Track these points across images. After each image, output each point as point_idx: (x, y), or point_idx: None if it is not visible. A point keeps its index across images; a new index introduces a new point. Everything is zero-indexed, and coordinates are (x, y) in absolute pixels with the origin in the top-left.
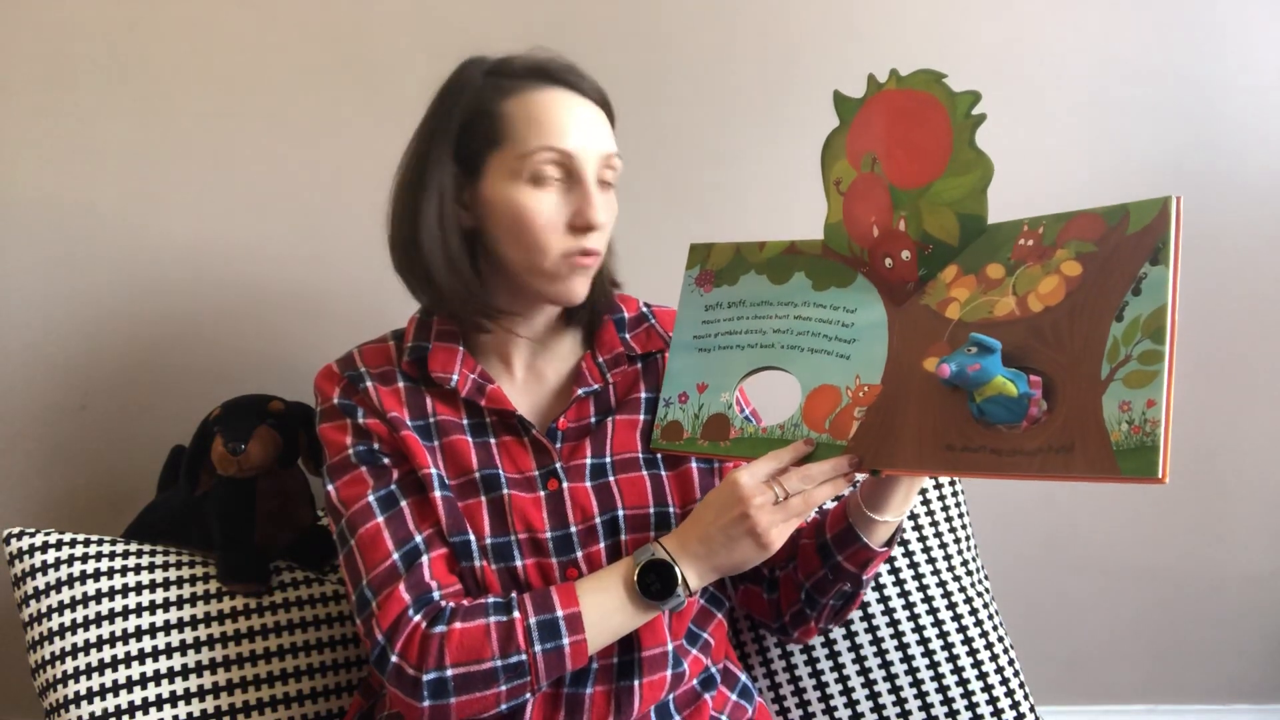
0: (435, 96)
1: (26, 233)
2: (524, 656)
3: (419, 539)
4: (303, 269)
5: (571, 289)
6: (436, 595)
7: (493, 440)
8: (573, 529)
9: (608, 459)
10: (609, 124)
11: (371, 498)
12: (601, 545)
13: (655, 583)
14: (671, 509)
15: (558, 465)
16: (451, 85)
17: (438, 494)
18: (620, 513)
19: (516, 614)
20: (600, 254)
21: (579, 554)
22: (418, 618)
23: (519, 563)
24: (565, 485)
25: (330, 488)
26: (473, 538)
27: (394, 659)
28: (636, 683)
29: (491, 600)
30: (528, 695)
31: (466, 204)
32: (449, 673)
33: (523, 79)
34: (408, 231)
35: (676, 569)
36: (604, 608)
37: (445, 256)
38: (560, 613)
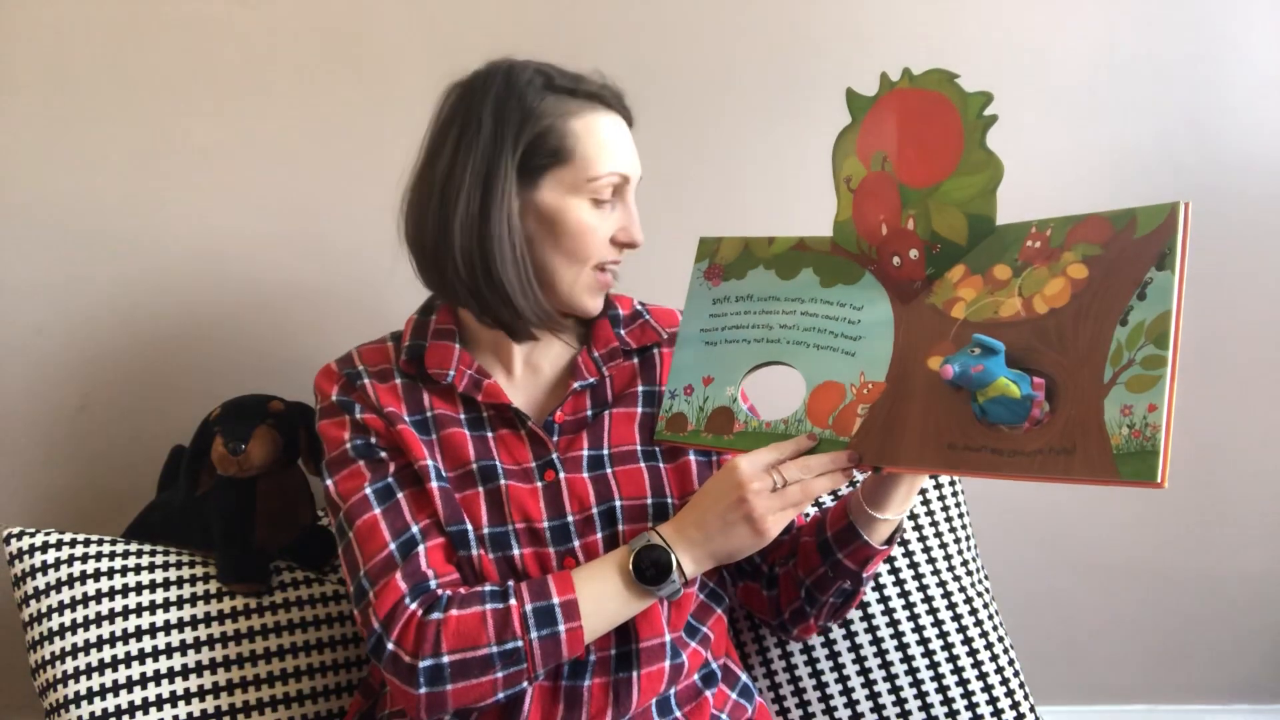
0: (475, 100)
1: (26, 232)
2: (520, 643)
3: (415, 529)
4: (303, 268)
5: (596, 302)
6: (433, 584)
7: (490, 434)
8: (569, 519)
9: (605, 451)
10: None
11: (368, 490)
12: (599, 535)
13: (650, 569)
14: (669, 500)
15: (554, 456)
16: (501, 93)
17: (434, 485)
18: (617, 503)
19: (513, 601)
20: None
21: (576, 544)
22: (414, 605)
23: (516, 552)
24: (562, 476)
25: (329, 482)
26: (470, 527)
27: (390, 646)
28: (634, 674)
29: (488, 588)
30: (524, 684)
31: (521, 214)
32: (445, 659)
33: (585, 100)
34: (471, 242)
35: (672, 555)
36: (600, 595)
37: (518, 271)
38: (556, 600)
